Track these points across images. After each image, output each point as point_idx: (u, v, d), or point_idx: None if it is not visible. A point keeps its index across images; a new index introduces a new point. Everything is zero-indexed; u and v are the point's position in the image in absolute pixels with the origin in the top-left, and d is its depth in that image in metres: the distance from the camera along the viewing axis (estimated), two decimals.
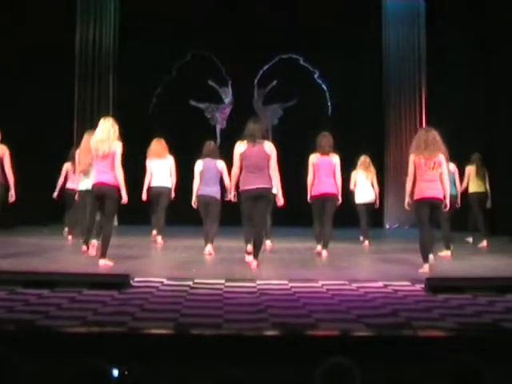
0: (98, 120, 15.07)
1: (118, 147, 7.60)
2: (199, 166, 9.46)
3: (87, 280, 6.44)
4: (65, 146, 14.33)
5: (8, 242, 9.57)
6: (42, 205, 11.86)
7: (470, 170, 10.90)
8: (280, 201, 8.01)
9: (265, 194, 7.82)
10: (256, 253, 7.85)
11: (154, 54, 14.40)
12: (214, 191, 9.33)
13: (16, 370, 2.69)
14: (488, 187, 10.94)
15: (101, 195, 7.73)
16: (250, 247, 8.14)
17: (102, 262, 7.66)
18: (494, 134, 12.74)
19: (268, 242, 9.75)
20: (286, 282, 6.70)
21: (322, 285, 6.57)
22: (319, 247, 9.27)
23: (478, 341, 4.51)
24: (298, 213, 13.02)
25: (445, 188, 7.62)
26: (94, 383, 2.65)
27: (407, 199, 7.82)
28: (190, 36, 14.42)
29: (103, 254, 7.69)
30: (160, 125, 13.67)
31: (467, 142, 12.91)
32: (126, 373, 2.82)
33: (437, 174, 7.60)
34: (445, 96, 13.78)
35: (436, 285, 6.34)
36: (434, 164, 7.57)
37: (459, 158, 12.72)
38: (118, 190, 7.63)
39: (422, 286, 6.41)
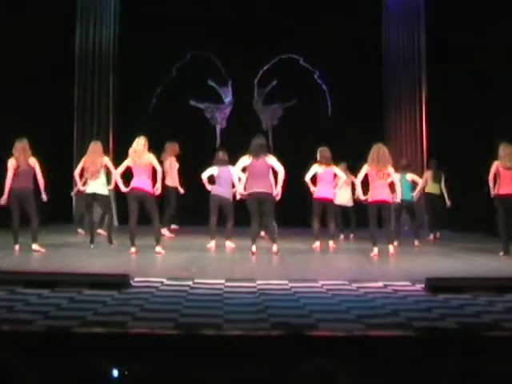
0: (98, 120, 15.20)
1: (152, 159, 9.54)
2: (214, 170, 10.60)
3: (87, 280, 6.44)
4: (65, 147, 14.38)
5: (8, 242, 9.57)
6: (41, 205, 11.85)
7: (427, 174, 12.49)
8: (278, 195, 9.58)
9: (266, 196, 9.41)
10: (272, 238, 9.54)
11: (154, 54, 14.39)
12: (228, 193, 10.47)
13: (16, 370, 2.69)
14: (444, 189, 12.36)
15: (137, 198, 9.43)
16: (254, 248, 9.27)
17: (159, 249, 9.40)
18: (494, 134, 12.73)
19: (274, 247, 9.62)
20: (286, 282, 6.70)
21: (322, 285, 6.57)
22: (318, 243, 10.29)
23: (478, 341, 4.52)
24: (298, 213, 13.06)
25: (396, 191, 9.88)
26: (94, 383, 2.65)
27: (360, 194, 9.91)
28: (189, 36, 14.41)
29: (158, 241, 9.44)
30: (160, 125, 13.69)
31: (467, 141, 12.93)
32: (126, 373, 2.82)
33: (385, 182, 9.61)
34: (445, 96, 13.77)
35: (436, 285, 6.34)
36: (383, 175, 9.56)
37: (459, 156, 12.78)
38: (153, 193, 9.49)
39: (422, 285, 6.41)
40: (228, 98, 15.18)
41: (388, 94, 15.02)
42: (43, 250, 9.32)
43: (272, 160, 9.44)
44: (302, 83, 14.67)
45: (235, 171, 10.05)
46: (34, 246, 9.33)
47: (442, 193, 12.40)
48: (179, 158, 12.27)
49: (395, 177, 9.84)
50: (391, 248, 9.38)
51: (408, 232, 11.97)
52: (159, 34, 14.22)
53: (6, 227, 9.76)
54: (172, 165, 12.03)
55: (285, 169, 9.45)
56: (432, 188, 12.45)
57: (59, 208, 13.54)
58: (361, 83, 14.18)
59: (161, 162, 11.72)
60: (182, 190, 12.12)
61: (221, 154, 10.75)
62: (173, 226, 12.32)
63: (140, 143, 9.46)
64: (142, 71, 14.41)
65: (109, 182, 10.49)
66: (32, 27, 13.03)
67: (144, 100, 14.71)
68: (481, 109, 12.99)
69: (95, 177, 10.24)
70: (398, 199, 10.08)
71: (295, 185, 11.08)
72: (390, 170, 9.62)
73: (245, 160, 9.46)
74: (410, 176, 11.32)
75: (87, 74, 14.83)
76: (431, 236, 12.22)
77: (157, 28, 14.27)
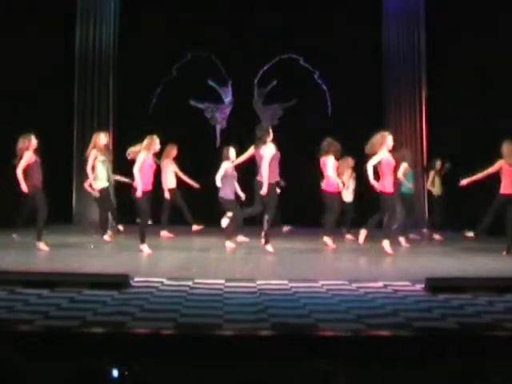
0: (98, 120, 15.21)
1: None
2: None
3: (87, 280, 6.44)
4: (65, 147, 14.37)
5: (8, 241, 9.58)
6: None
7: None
8: (263, 190, 9.54)
9: (259, 185, 9.62)
10: (263, 228, 9.78)
11: (154, 54, 14.38)
12: (221, 193, 10.34)
13: (16, 370, 2.69)
14: (428, 185, 12.52)
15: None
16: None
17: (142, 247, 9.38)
18: (494, 134, 12.73)
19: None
20: (286, 282, 6.71)
21: (322, 285, 6.57)
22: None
23: (478, 341, 4.52)
24: (299, 213, 13.05)
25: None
26: (94, 383, 2.65)
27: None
28: (189, 36, 14.40)
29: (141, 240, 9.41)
30: (160, 125, 13.67)
31: (467, 141, 12.93)
32: (126, 373, 2.82)
33: (381, 171, 9.52)
34: (445, 96, 13.77)
35: (436, 285, 6.34)
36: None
37: (459, 156, 12.77)
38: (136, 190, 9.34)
39: (422, 285, 6.42)
40: (228, 98, 15.17)
41: (388, 93, 15.00)
42: (46, 248, 9.34)
43: (265, 150, 9.65)
44: (302, 83, 14.66)
45: (221, 168, 10.31)
46: (37, 245, 9.36)
47: (442, 190, 12.48)
48: (178, 159, 12.23)
49: (370, 162, 9.57)
50: (384, 244, 9.44)
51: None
52: (159, 33, 14.21)
53: (6, 227, 9.78)
54: (165, 167, 11.92)
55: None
56: (432, 186, 12.63)
57: (59, 208, 13.55)
58: (361, 83, 14.17)
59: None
60: (166, 195, 11.79)
61: (223, 151, 10.78)
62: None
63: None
64: (142, 71, 14.39)
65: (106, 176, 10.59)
66: (32, 27, 13.02)
67: (144, 100, 14.70)
68: (481, 109, 12.99)
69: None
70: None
71: (295, 185, 11.10)
72: (374, 156, 9.59)
73: (250, 150, 10.05)
74: (402, 167, 11.26)
75: (87, 74, 14.80)
76: (437, 236, 12.07)
77: (157, 28, 14.26)
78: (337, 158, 10.87)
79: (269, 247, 9.59)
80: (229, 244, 10.20)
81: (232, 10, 14.26)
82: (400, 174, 11.18)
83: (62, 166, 13.85)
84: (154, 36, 14.20)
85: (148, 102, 14.79)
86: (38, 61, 13.29)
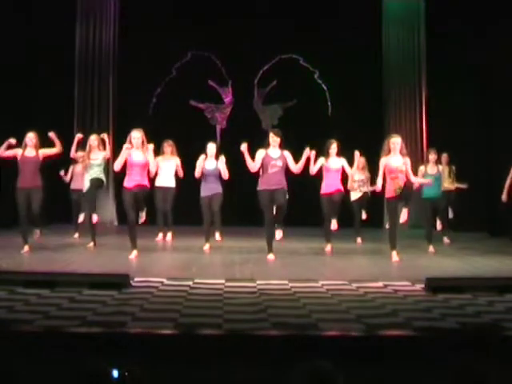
0: (98, 120, 15.18)
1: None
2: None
3: (87, 280, 6.45)
4: (64, 147, 14.36)
5: (8, 241, 9.56)
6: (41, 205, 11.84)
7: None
8: None
9: None
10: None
11: (154, 54, 14.38)
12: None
13: (16, 370, 2.69)
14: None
15: None
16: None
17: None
18: (493, 134, 12.75)
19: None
20: (286, 282, 6.71)
21: (322, 285, 6.57)
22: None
23: (478, 341, 4.52)
24: (298, 213, 13.04)
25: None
26: (94, 383, 2.65)
27: None
28: (190, 36, 14.40)
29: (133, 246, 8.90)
30: (160, 125, 13.68)
31: (467, 141, 12.94)
32: (126, 374, 2.82)
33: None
34: (445, 96, 13.78)
35: (436, 285, 6.35)
36: None
37: (459, 156, 12.77)
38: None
39: (422, 286, 6.42)
40: (228, 98, 15.17)
41: (388, 93, 15.01)
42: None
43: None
44: (302, 83, 14.67)
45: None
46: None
47: (453, 184, 11.90)
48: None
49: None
50: (394, 254, 9.05)
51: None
52: (159, 33, 14.21)
53: (7, 227, 9.75)
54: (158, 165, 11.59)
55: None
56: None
57: (59, 208, 13.54)
58: (361, 83, 14.17)
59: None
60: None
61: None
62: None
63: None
64: (142, 71, 14.39)
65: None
66: (32, 27, 13.02)
67: (144, 100, 14.70)
68: (480, 109, 12.99)
69: None
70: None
71: (295, 185, 11.07)
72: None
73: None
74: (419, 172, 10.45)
75: (87, 74, 14.82)
76: (445, 238, 11.21)
77: (157, 28, 14.25)
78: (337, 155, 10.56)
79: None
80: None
81: (232, 9, 14.25)
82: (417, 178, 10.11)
83: (62, 165, 13.84)
84: (154, 36, 14.20)
85: (148, 101, 14.79)
86: (39, 61, 13.29)
